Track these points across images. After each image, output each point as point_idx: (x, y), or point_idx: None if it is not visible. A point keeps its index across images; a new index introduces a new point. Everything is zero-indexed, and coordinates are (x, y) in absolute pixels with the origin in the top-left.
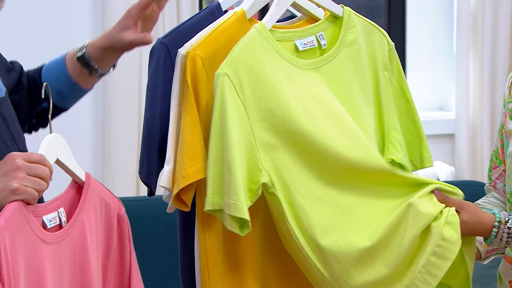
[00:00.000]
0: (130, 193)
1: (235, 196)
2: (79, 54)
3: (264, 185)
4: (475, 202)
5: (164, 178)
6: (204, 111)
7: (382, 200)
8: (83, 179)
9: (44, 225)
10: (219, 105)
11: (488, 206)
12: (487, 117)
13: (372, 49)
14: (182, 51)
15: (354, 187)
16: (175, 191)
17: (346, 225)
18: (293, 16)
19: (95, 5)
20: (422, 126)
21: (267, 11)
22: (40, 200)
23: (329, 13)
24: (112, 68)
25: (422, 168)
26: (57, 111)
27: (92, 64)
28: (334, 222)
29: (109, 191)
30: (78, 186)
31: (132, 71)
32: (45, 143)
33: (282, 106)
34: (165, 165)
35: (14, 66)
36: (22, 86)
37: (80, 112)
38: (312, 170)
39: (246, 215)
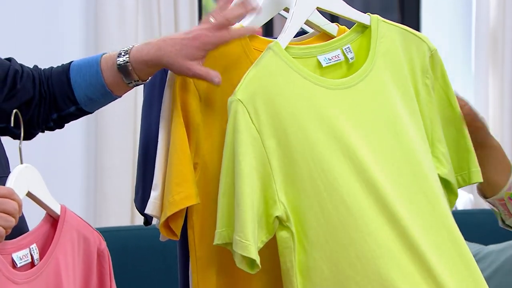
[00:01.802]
0: (124, 221)
1: (242, 233)
2: (121, 62)
3: (278, 218)
4: None
5: (150, 205)
6: (194, 133)
7: None
8: (58, 212)
9: (13, 264)
10: (231, 134)
11: None
12: (508, 140)
13: (410, 56)
14: None
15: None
16: (162, 219)
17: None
18: (304, 32)
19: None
20: None
21: (270, 26)
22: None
23: (345, 28)
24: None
25: (471, 184)
26: (83, 114)
27: (133, 75)
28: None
29: (88, 224)
30: (53, 220)
31: (127, 94)
32: (14, 175)
33: (301, 134)
34: (152, 191)
35: (8, 74)
36: (11, 95)
37: (71, 135)
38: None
39: (252, 254)
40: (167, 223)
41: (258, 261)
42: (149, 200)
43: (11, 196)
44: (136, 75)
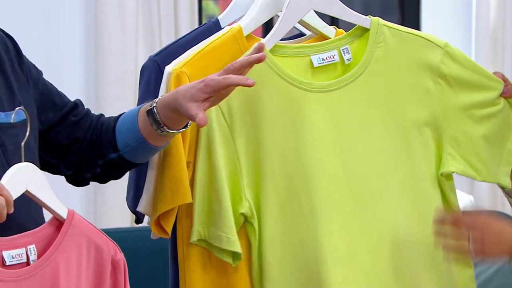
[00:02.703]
0: (125, 223)
1: (227, 228)
2: (149, 107)
3: (243, 214)
4: None
5: (143, 202)
6: (188, 132)
7: None
8: (64, 215)
9: (3, 261)
10: (205, 131)
11: None
12: None
13: (417, 59)
14: (168, 68)
15: None
16: (154, 217)
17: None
18: (302, 34)
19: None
20: None
21: (270, 26)
22: None
23: (343, 31)
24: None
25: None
26: (126, 164)
27: (159, 120)
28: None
29: (104, 233)
30: (59, 223)
31: (127, 95)
32: (10, 172)
33: (269, 135)
34: (144, 189)
35: (67, 105)
36: (65, 126)
37: None
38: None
39: (238, 248)
40: (158, 221)
41: (241, 253)
42: (141, 198)
43: (0, 191)
44: (161, 120)
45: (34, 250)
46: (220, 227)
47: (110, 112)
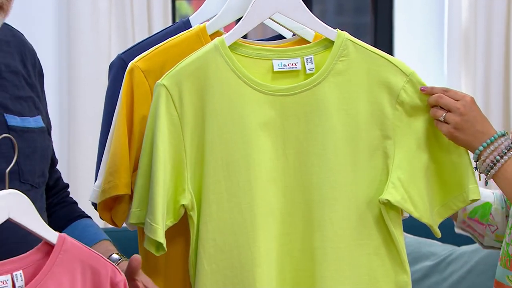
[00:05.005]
0: None
1: (152, 216)
2: (115, 256)
3: (184, 206)
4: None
5: (93, 193)
6: (139, 125)
7: None
8: (53, 240)
9: None
10: (152, 117)
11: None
12: None
13: (378, 80)
14: (129, 64)
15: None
16: (98, 207)
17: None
18: (283, 36)
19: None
20: None
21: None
22: None
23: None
24: None
25: (469, 203)
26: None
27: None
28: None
29: (101, 256)
30: (49, 248)
31: (99, 94)
32: None
33: (217, 132)
34: (96, 180)
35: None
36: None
37: None
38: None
39: (159, 238)
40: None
41: (164, 244)
42: (92, 189)
43: None
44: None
45: (21, 276)
46: (148, 213)
47: (82, 110)
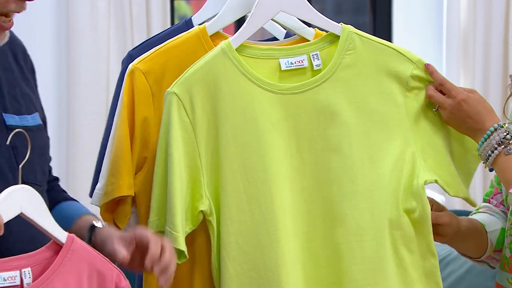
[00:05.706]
0: None
1: (171, 224)
2: (94, 225)
3: (203, 212)
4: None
5: (94, 196)
6: (140, 127)
7: None
8: (62, 239)
9: None
10: (165, 126)
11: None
12: None
13: (387, 71)
14: (129, 66)
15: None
16: (101, 210)
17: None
18: (275, 39)
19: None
20: None
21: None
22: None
23: (324, 33)
24: None
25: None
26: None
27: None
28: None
29: (108, 261)
30: (58, 248)
31: (98, 95)
32: (3, 194)
33: (231, 134)
34: (98, 182)
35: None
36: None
37: None
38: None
39: (180, 245)
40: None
41: (186, 252)
42: (94, 191)
43: None
44: (92, 242)
45: (29, 273)
46: (168, 222)
47: (81, 110)
